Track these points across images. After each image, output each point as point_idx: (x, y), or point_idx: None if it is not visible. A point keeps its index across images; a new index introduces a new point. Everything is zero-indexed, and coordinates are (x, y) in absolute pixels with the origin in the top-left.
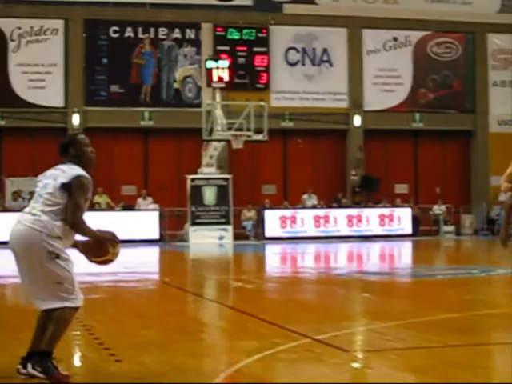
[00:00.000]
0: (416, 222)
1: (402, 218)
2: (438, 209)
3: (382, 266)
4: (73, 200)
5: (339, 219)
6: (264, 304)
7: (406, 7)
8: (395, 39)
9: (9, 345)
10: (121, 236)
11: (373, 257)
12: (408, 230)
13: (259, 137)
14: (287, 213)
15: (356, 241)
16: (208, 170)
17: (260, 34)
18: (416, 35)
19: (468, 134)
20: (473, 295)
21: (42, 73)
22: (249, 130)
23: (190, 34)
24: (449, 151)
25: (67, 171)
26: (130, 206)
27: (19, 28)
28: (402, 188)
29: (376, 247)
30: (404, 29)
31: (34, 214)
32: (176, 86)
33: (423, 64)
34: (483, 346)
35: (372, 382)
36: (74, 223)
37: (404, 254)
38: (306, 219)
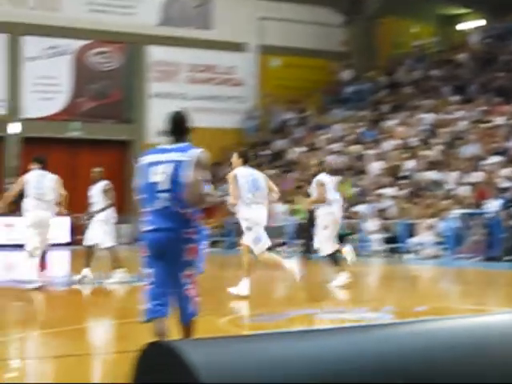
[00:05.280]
0: (73, 230)
1: (59, 227)
2: None
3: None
4: None
5: None
6: None
7: (67, 15)
8: (55, 47)
9: None
10: None
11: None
12: (64, 239)
13: None
14: None
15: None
16: None
17: None
18: (76, 44)
19: (125, 144)
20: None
21: None
22: None
23: None
24: (106, 160)
25: None
26: None
27: None
28: None
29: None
30: (65, 37)
31: None
32: None
33: (83, 73)
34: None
35: None
36: None
37: (62, 262)
38: None
